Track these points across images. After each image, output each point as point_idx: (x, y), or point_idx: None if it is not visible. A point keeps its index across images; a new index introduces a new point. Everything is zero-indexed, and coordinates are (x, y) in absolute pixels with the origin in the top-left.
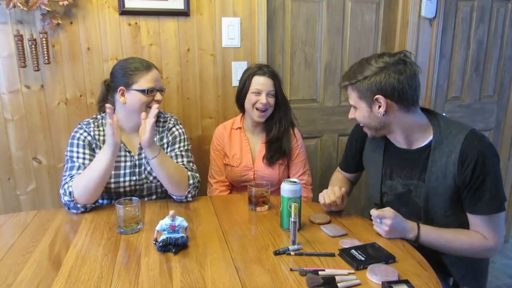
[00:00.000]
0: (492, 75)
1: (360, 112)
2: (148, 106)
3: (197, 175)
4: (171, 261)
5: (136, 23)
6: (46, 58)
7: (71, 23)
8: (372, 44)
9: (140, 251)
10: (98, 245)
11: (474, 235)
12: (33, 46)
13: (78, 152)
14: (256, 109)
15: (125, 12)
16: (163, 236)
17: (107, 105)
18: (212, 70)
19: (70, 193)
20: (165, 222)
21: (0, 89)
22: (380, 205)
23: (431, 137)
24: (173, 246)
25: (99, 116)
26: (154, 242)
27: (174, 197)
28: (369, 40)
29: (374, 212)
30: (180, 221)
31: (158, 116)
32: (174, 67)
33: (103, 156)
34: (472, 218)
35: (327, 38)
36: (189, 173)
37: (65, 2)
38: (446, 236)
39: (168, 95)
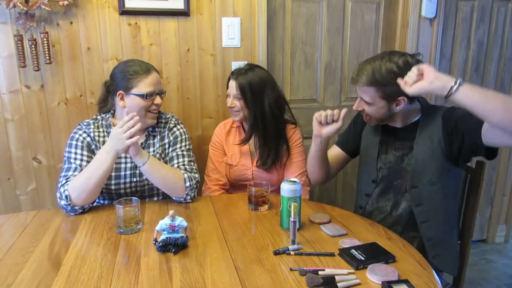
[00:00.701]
0: (493, 75)
1: (375, 108)
2: (147, 110)
3: (196, 175)
4: (171, 261)
5: (136, 23)
6: (47, 58)
7: (71, 23)
8: (372, 44)
9: (140, 251)
10: (98, 245)
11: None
12: (33, 46)
13: (76, 153)
14: (230, 108)
15: (125, 12)
16: (162, 236)
17: (133, 114)
18: (212, 70)
19: (66, 196)
20: (165, 222)
21: (0, 89)
22: (376, 183)
23: (419, 115)
24: (173, 246)
25: (99, 117)
26: (154, 242)
27: (174, 198)
28: (369, 40)
29: (413, 70)
30: (180, 221)
31: (159, 117)
32: (174, 67)
33: (105, 157)
34: (487, 126)
35: (327, 38)
36: (186, 175)
37: (65, 2)
38: (489, 92)
39: (168, 95)
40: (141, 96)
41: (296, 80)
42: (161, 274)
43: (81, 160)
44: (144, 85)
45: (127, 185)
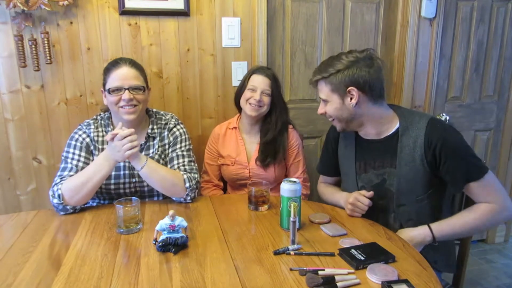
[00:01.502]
0: (492, 75)
1: (332, 105)
2: (119, 106)
3: (195, 176)
4: (171, 261)
5: (136, 23)
6: (47, 58)
7: (71, 23)
8: (372, 44)
9: (140, 251)
10: (98, 245)
11: (478, 207)
12: (33, 46)
13: (73, 154)
14: (249, 104)
15: (125, 12)
16: (162, 236)
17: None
18: (212, 70)
19: (59, 195)
20: (165, 222)
21: (0, 89)
22: None
23: (397, 125)
24: (173, 246)
25: (99, 117)
26: (154, 242)
27: (174, 198)
28: (369, 40)
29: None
30: (180, 221)
31: (158, 119)
32: (174, 67)
33: (104, 164)
34: (468, 189)
35: (327, 38)
36: (185, 176)
37: (65, 2)
38: (459, 222)
39: (168, 95)
40: (107, 91)
41: (296, 80)
42: (161, 274)
43: (78, 160)
44: (111, 80)
45: (127, 185)
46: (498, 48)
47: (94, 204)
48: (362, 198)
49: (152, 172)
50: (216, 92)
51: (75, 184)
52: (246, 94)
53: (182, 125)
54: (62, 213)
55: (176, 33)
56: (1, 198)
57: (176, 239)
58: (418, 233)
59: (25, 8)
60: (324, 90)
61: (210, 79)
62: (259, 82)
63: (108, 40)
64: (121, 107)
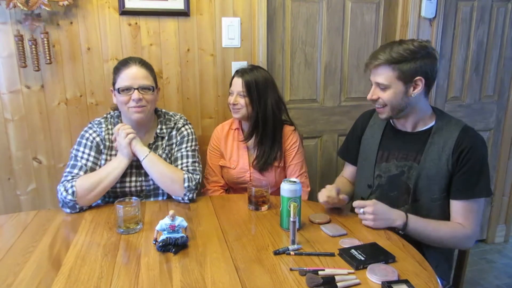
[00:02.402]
0: (492, 75)
1: (392, 91)
2: (128, 106)
3: (197, 177)
4: (171, 261)
5: (136, 23)
6: (47, 58)
7: (71, 23)
8: (372, 44)
9: (140, 251)
10: (98, 245)
11: (455, 225)
12: (33, 46)
13: (83, 153)
14: (230, 107)
15: (125, 12)
16: (163, 236)
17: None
18: (212, 70)
19: (73, 192)
20: (165, 222)
21: (0, 89)
22: (372, 190)
23: (433, 123)
24: (173, 246)
25: (109, 116)
26: (154, 242)
27: (173, 197)
28: (369, 40)
29: (355, 202)
30: (180, 221)
31: (167, 119)
32: (174, 67)
33: (119, 164)
34: (454, 204)
35: (327, 38)
36: (186, 175)
37: (65, 2)
38: (432, 225)
39: (168, 95)
40: (117, 90)
41: (296, 80)
42: (161, 274)
43: (87, 160)
44: (120, 80)
45: (132, 184)
46: (498, 48)
47: (99, 202)
48: (329, 190)
49: (152, 165)
50: (216, 92)
51: (90, 183)
52: (229, 98)
53: (190, 126)
54: (68, 210)
55: (176, 33)
56: (1, 198)
57: (176, 239)
58: (394, 212)
59: (25, 8)
60: (387, 75)
61: (210, 79)
62: (234, 84)
63: (108, 40)
64: (130, 107)
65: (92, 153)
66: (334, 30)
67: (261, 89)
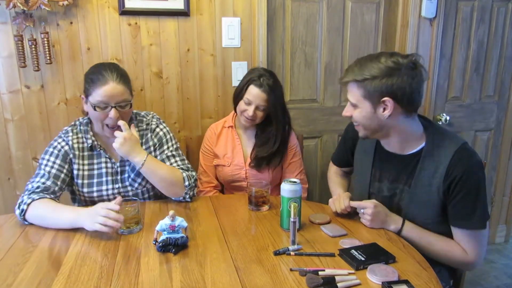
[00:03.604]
0: (492, 75)
1: (361, 111)
2: (105, 124)
3: (194, 174)
4: (171, 261)
5: (136, 23)
6: (47, 58)
7: (71, 23)
8: (372, 44)
9: (140, 251)
10: (98, 245)
11: (455, 245)
12: (33, 46)
13: (48, 160)
14: (244, 116)
15: (125, 12)
16: (163, 236)
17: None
18: (212, 70)
19: (23, 210)
20: (165, 222)
21: (0, 89)
22: None
23: (423, 144)
24: (173, 246)
25: (77, 122)
26: (154, 242)
27: (173, 198)
28: (369, 40)
29: (353, 203)
30: (180, 221)
31: (139, 121)
32: (174, 67)
33: (68, 219)
34: (454, 230)
35: (327, 38)
36: (184, 174)
37: (65, 2)
38: (428, 238)
39: (168, 95)
40: (92, 106)
41: (296, 80)
42: (161, 274)
43: (51, 167)
44: (96, 95)
45: (110, 191)
46: (498, 48)
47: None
48: (343, 201)
49: (151, 170)
50: (216, 92)
51: (39, 213)
52: (241, 105)
53: (164, 124)
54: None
55: (176, 33)
56: (1, 198)
57: (176, 239)
58: (391, 217)
59: (25, 8)
60: (354, 94)
61: (210, 79)
62: (255, 96)
63: (108, 40)
64: (106, 125)
65: (58, 161)
66: (334, 30)
67: (280, 100)
